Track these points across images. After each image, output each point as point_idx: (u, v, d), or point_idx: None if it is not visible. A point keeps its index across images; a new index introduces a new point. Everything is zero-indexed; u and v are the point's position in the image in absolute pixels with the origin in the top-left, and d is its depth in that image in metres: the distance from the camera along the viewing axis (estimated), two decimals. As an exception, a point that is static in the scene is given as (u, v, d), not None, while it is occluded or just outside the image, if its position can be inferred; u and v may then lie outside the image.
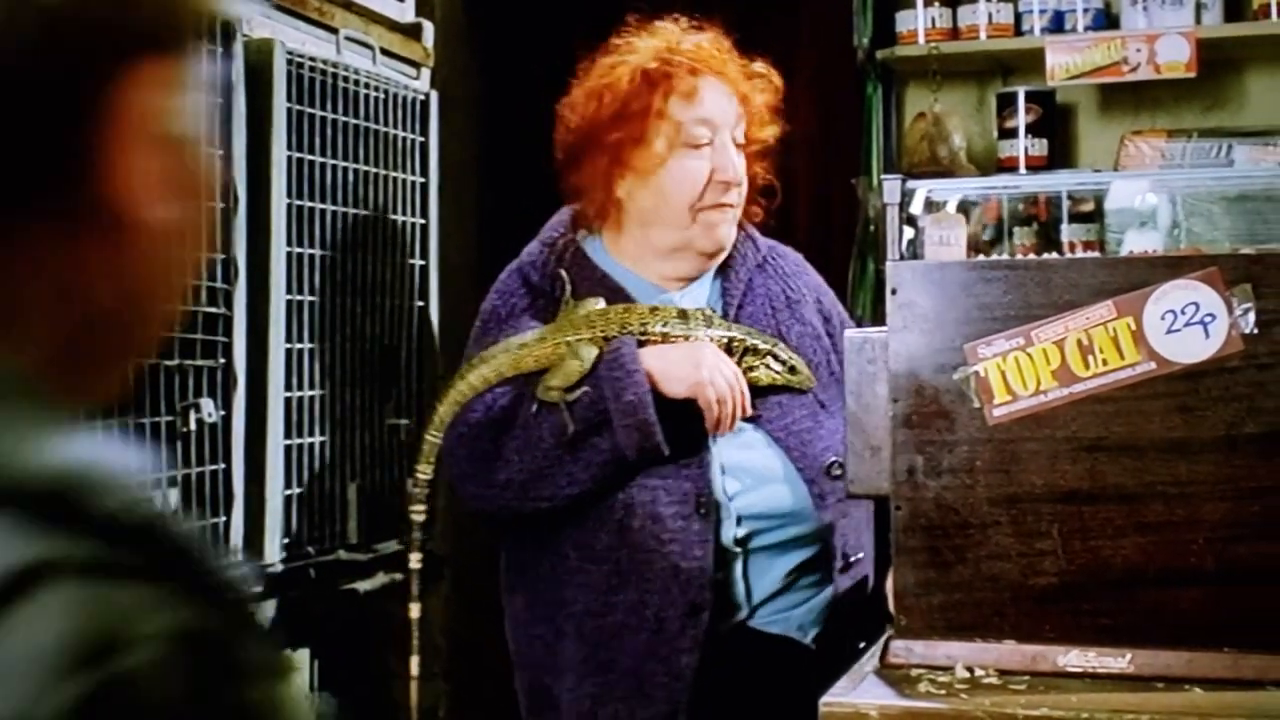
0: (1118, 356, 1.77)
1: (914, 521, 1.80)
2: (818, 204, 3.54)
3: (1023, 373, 1.80)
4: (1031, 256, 3.06)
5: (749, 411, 2.18)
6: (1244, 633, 1.70)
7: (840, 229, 3.42)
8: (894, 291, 1.84)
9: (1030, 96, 3.36)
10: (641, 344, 2.19)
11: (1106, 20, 3.38)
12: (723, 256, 2.33)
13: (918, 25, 3.34)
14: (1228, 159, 3.31)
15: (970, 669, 1.74)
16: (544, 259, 2.31)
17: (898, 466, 1.82)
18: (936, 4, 3.35)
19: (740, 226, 2.35)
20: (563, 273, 2.28)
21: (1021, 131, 3.34)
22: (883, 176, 1.93)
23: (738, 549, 2.20)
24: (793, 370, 2.24)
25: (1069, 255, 3.10)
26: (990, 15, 3.35)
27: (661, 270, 2.32)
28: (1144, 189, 3.33)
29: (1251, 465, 1.72)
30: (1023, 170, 3.30)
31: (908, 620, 1.79)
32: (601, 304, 2.25)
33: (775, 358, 2.23)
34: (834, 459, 2.18)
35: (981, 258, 2.08)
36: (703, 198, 2.25)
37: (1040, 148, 3.35)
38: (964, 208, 3.19)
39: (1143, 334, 1.77)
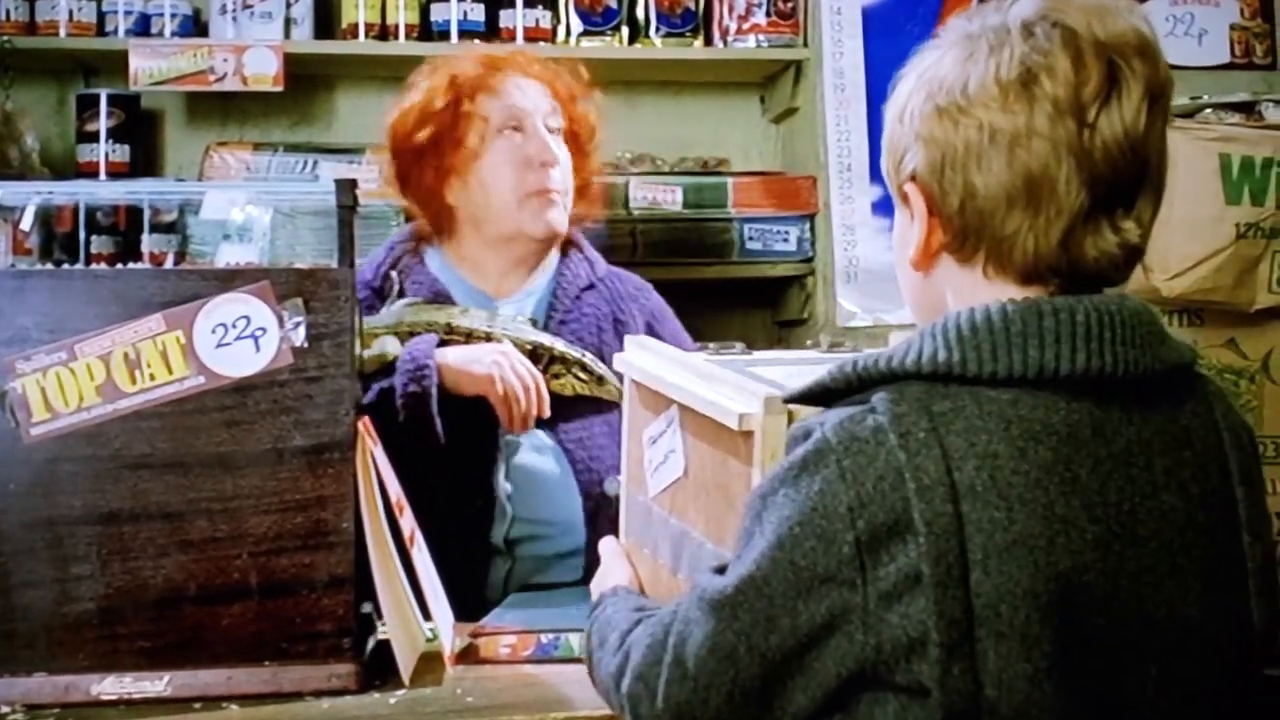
0: (166, 371, 1.74)
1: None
2: None
3: (64, 389, 1.72)
4: (80, 266, 2.95)
5: (545, 413, 2.22)
6: (284, 645, 1.71)
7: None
8: (-79, 302, 1.71)
9: (113, 100, 3.25)
10: (446, 342, 2.26)
11: (195, 28, 3.35)
12: (555, 244, 2.43)
13: (-8, 16, 3.14)
14: (313, 174, 3.38)
15: (-6, 707, 1.63)
16: (381, 260, 2.42)
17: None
18: (12, -6, 3.16)
19: (579, 248, 2.47)
20: (393, 274, 2.39)
21: (103, 136, 3.23)
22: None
23: (506, 550, 2.25)
24: (600, 381, 2.30)
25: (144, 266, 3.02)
26: (72, 12, 3.21)
27: (500, 265, 2.40)
28: (239, 201, 3.32)
29: (296, 477, 1.74)
30: (104, 176, 3.18)
31: (-70, 661, 1.65)
32: (419, 303, 2.34)
33: (583, 367, 2.29)
34: (617, 478, 2.17)
35: (24, 266, 1.97)
36: (525, 182, 2.34)
37: (123, 154, 3.25)
38: (41, 213, 3.02)
39: (193, 348, 1.74)
